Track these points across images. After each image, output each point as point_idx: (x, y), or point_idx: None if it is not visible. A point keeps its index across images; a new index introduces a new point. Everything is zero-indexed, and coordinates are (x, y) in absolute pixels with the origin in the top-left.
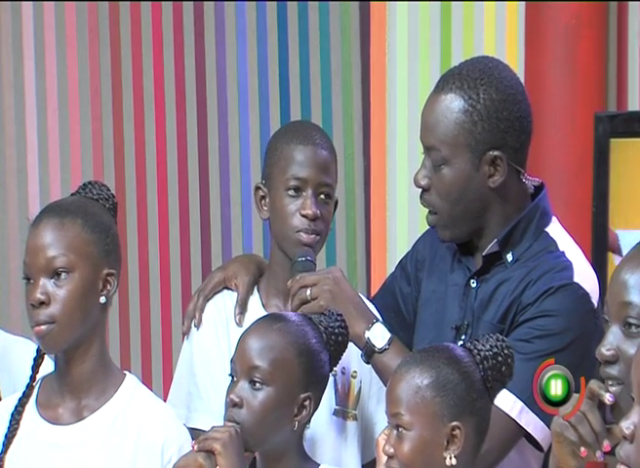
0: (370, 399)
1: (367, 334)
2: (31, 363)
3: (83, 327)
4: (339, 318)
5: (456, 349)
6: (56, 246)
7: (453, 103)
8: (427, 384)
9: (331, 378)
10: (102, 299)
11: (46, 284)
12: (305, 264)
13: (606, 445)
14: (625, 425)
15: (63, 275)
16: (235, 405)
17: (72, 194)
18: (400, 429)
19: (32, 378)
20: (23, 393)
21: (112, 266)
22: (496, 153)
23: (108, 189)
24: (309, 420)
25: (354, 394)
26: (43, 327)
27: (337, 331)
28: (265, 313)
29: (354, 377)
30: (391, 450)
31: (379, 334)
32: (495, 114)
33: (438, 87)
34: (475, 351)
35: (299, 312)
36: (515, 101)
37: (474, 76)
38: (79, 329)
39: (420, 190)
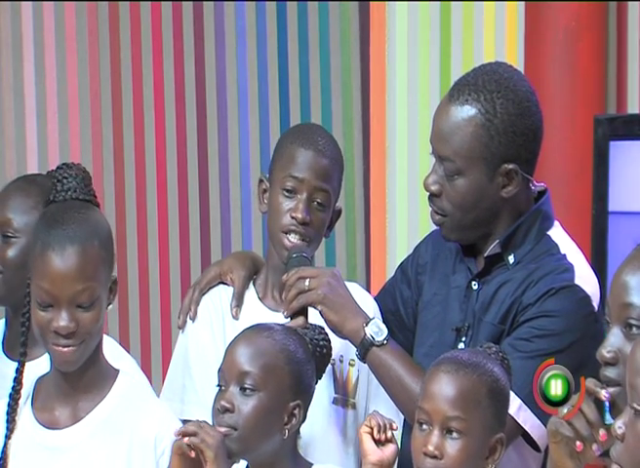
0: (370, 385)
1: (366, 328)
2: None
3: (99, 339)
4: (322, 331)
5: (490, 359)
6: (82, 277)
7: (469, 116)
8: (486, 392)
9: (329, 367)
10: (110, 306)
11: (73, 312)
12: (300, 260)
13: (602, 434)
14: (617, 425)
15: (89, 302)
16: (227, 410)
17: (55, 200)
18: (452, 432)
19: (17, 382)
20: (10, 395)
21: (113, 271)
22: (511, 166)
23: (84, 175)
24: (299, 430)
25: (352, 382)
26: (71, 349)
27: (321, 343)
28: (262, 307)
29: (352, 365)
30: (436, 452)
31: (377, 329)
32: (511, 129)
33: (453, 96)
34: (497, 361)
35: (295, 302)
36: (530, 114)
37: (490, 88)
38: (97, 342)
39: (429, 194)
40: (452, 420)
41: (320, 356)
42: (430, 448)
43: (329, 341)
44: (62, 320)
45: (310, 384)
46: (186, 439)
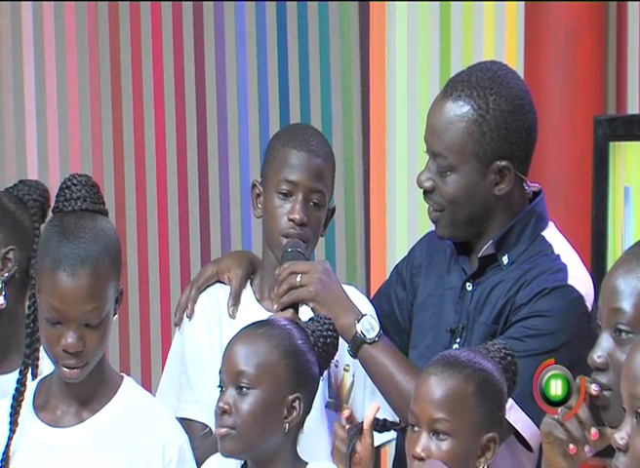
0: (365, 389)
1: (357, 325)
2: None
3: (103, 351)
4: (327, 321)
5: (485, 357)
6: (92, 298)
7: (461, 112)
8: (473, 392)
9: (324, 372)
10: (115, 317)
11: (82, 331)
12: (294, 255)
13: (594, 432)
14: (619, 436)
15: (98, 321)
16: (224, 412)
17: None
18: (438, 434)
19: (21, 382)
20: (13, 396)
21: (120, 280)
22: (503, 163)
23: (92, 183)
24: (302, 424)
25: (347, 387)
26: (77, 370)
27: (325, 333)
28: (259, 307)
29: (347, 370)
30: (422, 455)
31: (369, 326)
32: (504, 125)
33: (447, 92)
34: (497, 359)
35: (286, 297)
36: (523, 112)
37: (484, 85)
38: (101, 356)
39: (423, 190)
40: (437, 422)
41: (323, 346)
42: (417, 450)
43: (334, 331)
44: (70, 338)
45: (311, 375)
46: None
